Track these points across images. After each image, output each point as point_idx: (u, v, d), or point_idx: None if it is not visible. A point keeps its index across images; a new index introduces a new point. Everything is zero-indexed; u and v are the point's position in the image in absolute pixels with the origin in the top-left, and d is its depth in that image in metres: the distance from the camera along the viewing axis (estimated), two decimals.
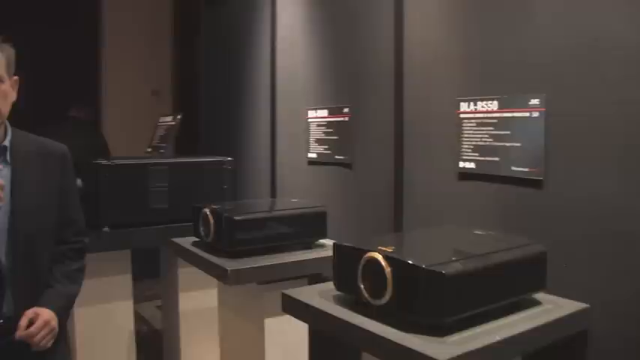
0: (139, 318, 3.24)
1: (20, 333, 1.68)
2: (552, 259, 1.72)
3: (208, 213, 2.44)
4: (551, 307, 1.70)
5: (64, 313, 1.86)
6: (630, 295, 1.66)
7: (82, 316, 2.96)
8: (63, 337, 1.88)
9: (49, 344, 1.74)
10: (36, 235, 1.78)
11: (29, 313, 1.71)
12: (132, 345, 3.16)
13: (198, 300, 3.24)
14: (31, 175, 1.79)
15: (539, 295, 1.74)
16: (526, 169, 1.91)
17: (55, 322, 1.75)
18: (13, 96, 1.80)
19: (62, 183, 1.89)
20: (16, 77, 1.82)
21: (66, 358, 1.95)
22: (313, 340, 2.48)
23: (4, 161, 1.76)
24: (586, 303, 1.72)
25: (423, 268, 1.46)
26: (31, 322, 1.70)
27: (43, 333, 1.70)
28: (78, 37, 5.56)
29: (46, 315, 1.73)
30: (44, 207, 1.82)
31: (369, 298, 1.60)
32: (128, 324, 3.15)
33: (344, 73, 2.83)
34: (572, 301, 1.74)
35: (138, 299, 3.19)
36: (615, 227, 1.69)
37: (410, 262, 1.50)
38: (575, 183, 1.78)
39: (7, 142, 1.78)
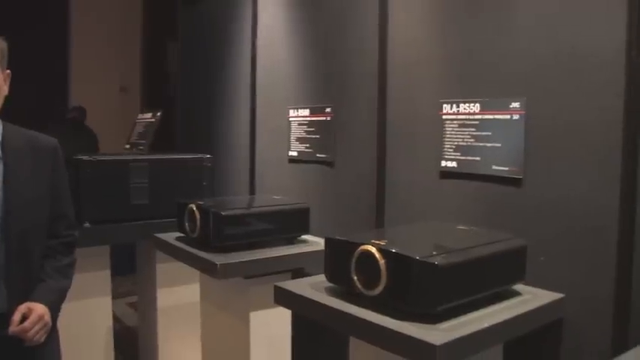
0: None
1: (13, 328, 1.67)
2: (530, 253, 1.84)
3: (194, 209, 2.49)
4: (530, 297, 1.82)
5: (57, 308, 1.86)
6: (603, 286, 1.79)
7: (61, 312, 2.95)
8: (54, 332, 1.88)
9: (43, 339, 1.74)
10: (29, 229, 1.77)
11: (22, 308, 1.70)
12: (110, 341, 3.17)
13: (177, 296, 3.27)
14: (23, 169, 1.78)
15: (519, 286, 1.86)
16: (506, 169, 2.02)
17: (48, 317, 1.75)
18: (5, 90, 1.81)
19: (54, 177, 1.88)
20: (8, 71, 1.83)
21: (57, 353, 1.95)
22: (296, 331, 2.55)
23: None
24: (562, 293, 1.84)
25: (417, 260, 1.56)
26: (24, 317, 1.69)
27: (36, 328, 1.70)
28: (45, 32, 5.50)
29: (39, 310, 1.72)
30: (37, 201, 1.80)
31: (362, 289, 1.68)
32: (107, 320, 3.16)
33: (326, 72, 2.91)
34: (548, 292, 1.86)
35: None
36: (589, 223, 1.82)
37: (403, 253, 1.59)
38: (553, 182, 1.91)
39: None
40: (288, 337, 2.56)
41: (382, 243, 1.67)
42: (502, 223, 2.04)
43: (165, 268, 3.20)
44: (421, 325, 1.53)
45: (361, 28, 2.65)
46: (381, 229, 2.53)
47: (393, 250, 1.62)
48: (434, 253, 1.60)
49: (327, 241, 1.85)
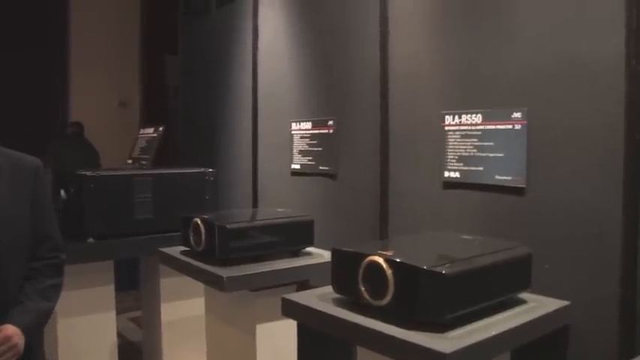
0: None
1: None
2: (535, 261, 1.86)
3: (199, 222, 2.51)
4: (536, 305, 1.83)
5: (34, 330, 1.76)
6: (608, 291, 1.80)
7: (65, 327, 2.96)
8: (34, 355, 1.80)
9: None
10: (6, 249, 1.69)
11: None
12: (114, 357, 3.17)
13: (182, 310, 3.27)
14: (1, 187, 1.72)
15: (525, 295, 1.88)
16: (509, 178, 2.05)
17: (18, 339, 1.66)
18: None
19: (35, 197, 1.79)
20: None
21: None
22: (302, 342, 2.56)
23: None
24: (567, 300, 1.86)
25: (424, 269, 1.57)
26: None
27: (1, 349, 1.62)
28: (44, 48, 5.54)
29: (8, 331, 1.65)
30: (13, 220, 1.72)
31: (370, 300, 1.69)
32: (111, 336, 3.16)
33: (328, 85, 2.94)
34: (554, 299, 1.88)
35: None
36: (593, 229, 1.84)
37: (410, 263, 1.61)
38: (556, 189, 1.93)
39: None
40: (294, 349, 2.56)
41: (389, 253, 1.69)
42: (506, 231, 2.06)
43: (169, 282, 3.21)
44: (429, 334, 1.55)
45: (362, 41, 2.69)
46: (387, 239, 2.55)
47: (400, 260, 1.64)
48: (440, 262, 1.62)
49: (334, 253, 1.86)
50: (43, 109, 5.58)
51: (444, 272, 1.56)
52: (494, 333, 1.59)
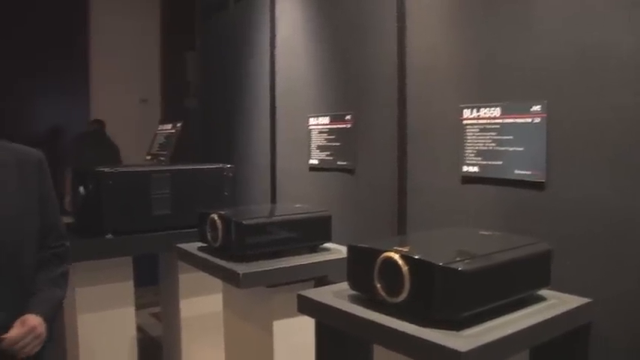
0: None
1: (7, 341, 1.65)
2: (555, 257, 1.82)
3: (216, 218, 2.50)
4: (556, 302, 1.79)
5: (52, 318, 1.82)
6: (630, 289, 1.76)
7: (86, 322, 2.99)
8: (52, 341, 1.84)
9: (35, 350, 1.72)
10: (19, 243, 1.75)
11: (19, 322, 1.69)
12: (134, 352, 3.19)
13: (200, 306, 3.28)
14: (10, 183, 1.75)
15: (545, 292, 1.83)
16: (529, 172, 2.00)
17: (42, 328, 1.72)
18: None
19: (41, 189, 1.85)
20: None
21: None
22: (320, 339, 2.54)
23: None
24: (589, 298, 1.81)
25: (440, 266, 1.54)
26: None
27: (27, 339, 1.68)
28: (66, 46, 5.58)
29: (32, 321, 1.70)
30: (26, 214, 1.77)
31: (386, 296, 1.67)
32: (130, 331, 3.18)
33: (346, 80, 2.91)
34: (575, 297, 1.83)
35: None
36: (614, 225, 1.79)
37: (426, 260, 1.58)
38: (576, 184, 1.88)
39: None
40: (311, 345, 2.54)
41: (405, 249, 1.66)
42: (526, 227, 2.02)
43: (188, 278, 3.22)
44: (445, 331, 1.52)
45: (380, 35, 2.66)
46: (404, 235, 2.52)
47: (416, 257, 1.61)
48: (457, 259, 1.59)
49: (350, 249, 1.84)
50: (65, 107, 5.63)
51: (460, 269, 1.53)
52: (511, 331, 1.55)
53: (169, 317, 3.47)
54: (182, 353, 3.32)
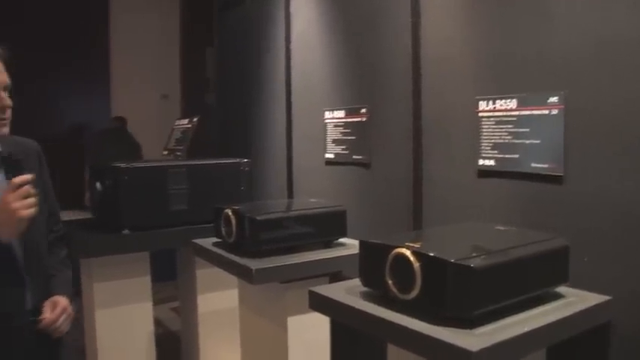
0: (154, 320, 3.31)
1: (44, 323, 1.77)
2: (573, 253, 1.76)
3: (230, 213, 2.48)
4: (575, 300, 1.73)
5: (72, 298, 1.95)
6: None
7: (104, 317, 3.00)
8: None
9: (67, 329, 1.85)
10: (37, 230, 1.83)
11: (49, 303, 1.81)
12: (151, 347, 3.20)
13: (217, 301, 3.28)
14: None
15: (562, 289, 1.78)
16: (546, 166, 1.95)
17: (70, 309, 1.86)
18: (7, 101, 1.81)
19: (44, 176, 1.93)
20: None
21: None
22: (335, 336, 2.52)
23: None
24: (608, 295, 1.75)
25: (452, 262, 1.50)
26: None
27: (62, 319, 1.81)
28: (86, 43, 5.62)
29: (63, 302, 1.84)
30: (40, 203, 1.80)
31: (397, 293, 1.63)
32: (148, 326, 3.19)
33: (361, 73, 2.88)
34: (594, 294, 1.77)
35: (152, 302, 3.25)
36: (635, 220, 1.73)
37: (438, 256, 1.54)
38: (595, 178, 1.83)
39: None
40: (326, 342, 2.52)
41: (417, 245, 1.63)
42: (543, 222, 1.97)
43: (205, 273, 3.22)
44: (457, 330, 1.47)
45: (394, 27, 2.61)
46: (418, 230, 2.48)
47: (427, 253, 1.57)
48: (470, 255, 1.55)
49: (362, 244, 1.81)
50: (87, 104, 5.67)
51: (472, 265, 1.48)
52: (526, 329, 1.50)
53: (187, 312, 3.47)
54: (200, 348, 3.32)
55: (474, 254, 1.56)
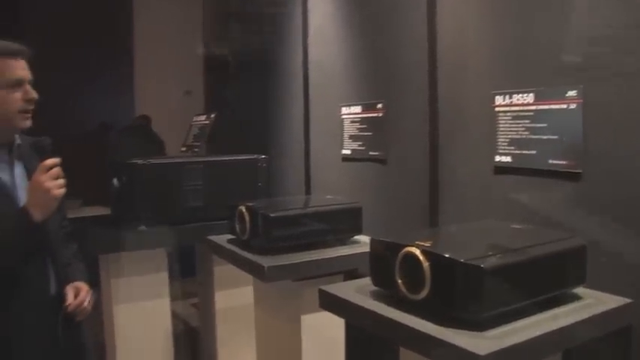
0: (175, 316, 3.30)
1: (72, 306, 1.87)
2: (591, 253, 1.69)
3: (244, 210, 2.46)
4: (593, 302, 1.67)
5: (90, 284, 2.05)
6: None
7: (122, 313, 3.01)
8: None
9: (88, 313, 1.95)
10: (55, 219, 1.91)
11: (71, 288, 1.92)
12: (169, 343, 3.20)
13: (234, 297, 3.27)
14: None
15: (579, 290, 1.71)
16: (564, 162, 1.88)
17: (90, 294, 1.96)
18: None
19: None
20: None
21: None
22: (349, 335, 2.49)
23: (15, 159, 1.87)
24: (629, 298, 1.68)
25: (462, 262, 1.45)
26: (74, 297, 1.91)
27: (85, 304, 1.92)
28: (110, 41, 5.66)
29: (84, 288, 1.95)
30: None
31: (407, 293, 1.59)
32: (165, 322, 3.19)
33: (377, 68, 2.83)
34: (613, 296, 1.70)
35: (174, 297, 3.25)
36: None
37: (448, 255, 1.49)
38: (614, 175, 1.75)
39: (19, 140, 1.89)
40: (341, 340, 2.49)
41: (427, 244, 1.58)
42: (560, 220, 1.90)
43: (222, 270, 3.21)
44: (467, 332, 1.42)
45: (410, 21, 2.55)
46: (429, 228, 2.42)
47: (437, 252, 1.52)
48: (481, 254, 1.49)
49: (372, 243, 1.77)
50: (111, 101, 5.71)
51: (482, 266, 1.43)
52: (539, 333, 1.44)
53: (205, 308, 3.47)
54: (217, 344, 3.32)
55: (485, 254, 1.51)
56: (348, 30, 3.04)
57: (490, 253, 1.52)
